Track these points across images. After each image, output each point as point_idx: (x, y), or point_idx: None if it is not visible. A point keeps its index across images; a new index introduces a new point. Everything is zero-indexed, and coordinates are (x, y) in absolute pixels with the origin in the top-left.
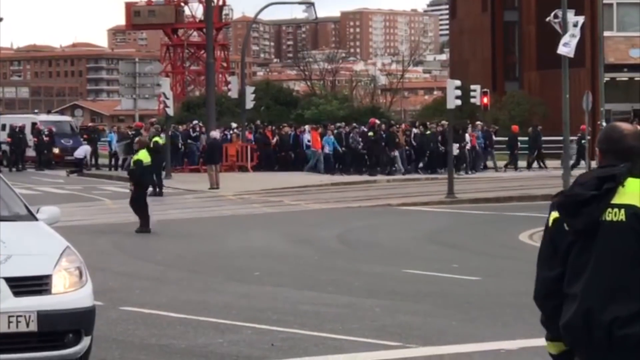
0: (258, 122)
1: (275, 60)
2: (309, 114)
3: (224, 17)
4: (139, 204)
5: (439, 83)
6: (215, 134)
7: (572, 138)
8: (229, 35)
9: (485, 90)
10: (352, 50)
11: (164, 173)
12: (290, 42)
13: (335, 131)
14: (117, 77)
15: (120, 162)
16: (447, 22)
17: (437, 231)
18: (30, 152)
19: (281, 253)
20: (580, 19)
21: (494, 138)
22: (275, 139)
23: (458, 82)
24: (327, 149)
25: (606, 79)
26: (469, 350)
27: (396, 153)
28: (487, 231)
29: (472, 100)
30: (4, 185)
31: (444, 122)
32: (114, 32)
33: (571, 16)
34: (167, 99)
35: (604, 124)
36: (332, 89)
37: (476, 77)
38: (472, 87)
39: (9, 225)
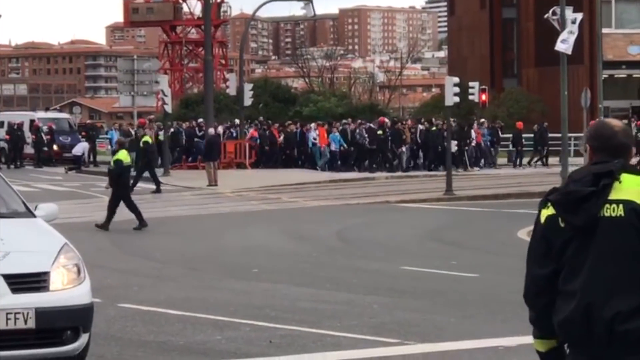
0: (262, 119)
1: (273, 57)
2: (307, 111)
3: (222, 14)
4: (127, 203)
5: (437, 80)
6: (214, 130)
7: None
8: (227, 33)
9: (483, 87)
10: (350, 47)
11: (162, 170)
12: (288, 39)
13: (341, 128)
14: (115, 74)
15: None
16: (446, 19)
17: (436, 228)
18: (29, 150)
19: (279, 250)
20: (579, 16)
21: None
22: (281, 137)
23: (456, 79)
24: (333, 146)
25: (604, 75)
26: (467, 347)
27: (403, 149)
28: (485, 228)
29: (471, 97)
30: (2, 183)
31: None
32: (112, 30)
33: (569, 13)
34: (166, 96)
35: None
36: (330, 86)
37: (474, 74)
38: (471, 84)
39: (7, 222)
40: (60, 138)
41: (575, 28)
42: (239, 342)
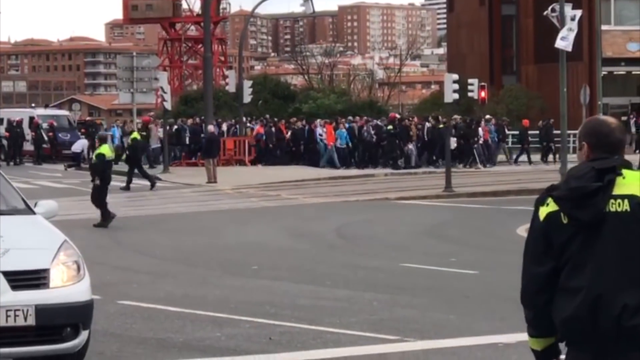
0: (268, 116)
1: (272, 54)
2: (306, 108)
3: (221, 11)
4: (100, 198)
5: (436, 77)
6: (213, 128)
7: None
8: (226, 29)
9: (482, 84)
10: (349, 44)
11: (161, 167)
12: (287, 36)
13: (347, 125)
14: (114, 71)
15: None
16: (445, 15)
17: (435, 225)
18: (28, 147)
19: (279, 247)
20: (578, 13)
21: (507, 132)
22: (288, 133)
23: (455, 76)
24: (339, 143)
25: (604, 72)
26: (466, 344)
27: (411, 146)
28: (484, 225)
29: (470, 94)
30: (1, 180)
31: (456, 116)
32: (112, 26)
33: (569, 10)
34: (165, 93)
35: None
36: (329, 83)
37: (474, 71)
38: (470, 81)
39: (7, 219)
40: (60, 135)
41: (574, 25)
42: (239, 339)
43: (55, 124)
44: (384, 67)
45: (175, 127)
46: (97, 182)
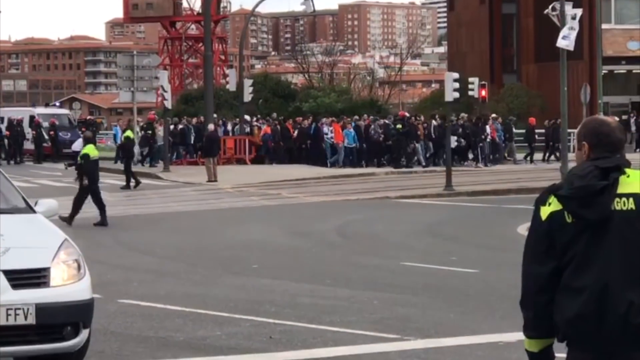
0: (274, 115)
1: (273, 53)
2: (307, 106)
3: (222, 9)
4: (82, 199)
5: (437, 76)
6: (213, 127)
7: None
8: (227, 28)
9: (483, 82)
10: (350, 43)
11: (161, 166)
12: (288, 35)
13: (354, 124)
14: (115, 70)
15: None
16: (445, 14)
17: (436, 224)
18: (29, 145)
19: (279, 246)
20: (579, 12)
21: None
22: (295, 132)
23: (456, 75)
24: (347, 143)
25: (604, 71)
26: (467, 343)
27: (417, 145)
28: (485, 224)
29: (470, 92)
30: (2, 178)
31: (463, 114)
32: (112, 25)
33: (569, 9)
34: (165, 91)
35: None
36: (330, 81)
37: (474, 70)
38: (470, 79)
39: (8, 218)
40: (60, 134)
41: (575, 24)
42: (239, 338)
43: (56, 122)
44: (385, 66)
45: (181, 126)
46: (85, 181)
